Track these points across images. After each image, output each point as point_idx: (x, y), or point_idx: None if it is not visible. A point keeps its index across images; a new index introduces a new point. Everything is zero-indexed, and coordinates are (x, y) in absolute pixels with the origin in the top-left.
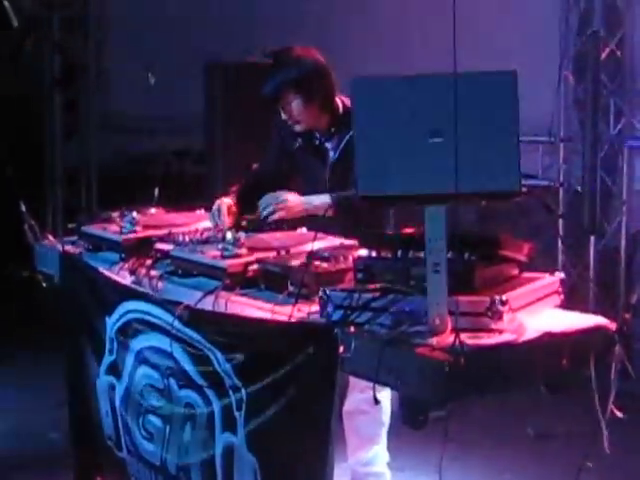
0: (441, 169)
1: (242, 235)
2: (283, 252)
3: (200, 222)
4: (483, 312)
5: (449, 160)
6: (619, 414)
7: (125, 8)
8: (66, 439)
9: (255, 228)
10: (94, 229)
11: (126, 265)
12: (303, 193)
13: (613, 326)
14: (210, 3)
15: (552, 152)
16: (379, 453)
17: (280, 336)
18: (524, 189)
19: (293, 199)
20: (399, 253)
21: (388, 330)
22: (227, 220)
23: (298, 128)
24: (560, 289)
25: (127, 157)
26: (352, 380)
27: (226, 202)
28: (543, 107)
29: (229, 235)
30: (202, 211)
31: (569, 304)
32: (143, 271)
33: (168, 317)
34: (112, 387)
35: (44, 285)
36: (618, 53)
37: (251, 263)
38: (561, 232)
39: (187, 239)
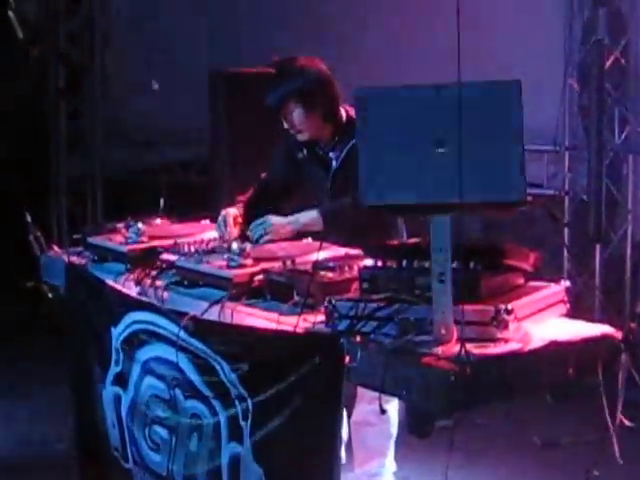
0: (445, 179)
1: (248, 245)
2: (289, 262)
3: (205, 232)
4: (489, 321)
5: (453, 170)
6: (628, 423)
7: (129, 19)
8: (72, 450)
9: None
10: (99, 240)
11: (131, 276)
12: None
13: (619, 335)
14: (214, 13)
15: (557, 161)
16: (386, 465)
17: (286, 346)
18: (529, 198)
19: (278, 221)
20: (404, 263)
21: (394, 340)
22: (233, 231)
23: (301, 137)
24: (566, 298)
25: (132, 168)
26: (360, 391)
27: (232, 213)
28: (548, 115)
29: (235, 245)
30: (207, 221)
31: (575, 313)
32: (149, 282)
33: (174, 327)
34: (118, 398)
35: (50, 296)
36: (622, 61)
37: (257, 273)
38: (567, 241)
39: (192, 249)
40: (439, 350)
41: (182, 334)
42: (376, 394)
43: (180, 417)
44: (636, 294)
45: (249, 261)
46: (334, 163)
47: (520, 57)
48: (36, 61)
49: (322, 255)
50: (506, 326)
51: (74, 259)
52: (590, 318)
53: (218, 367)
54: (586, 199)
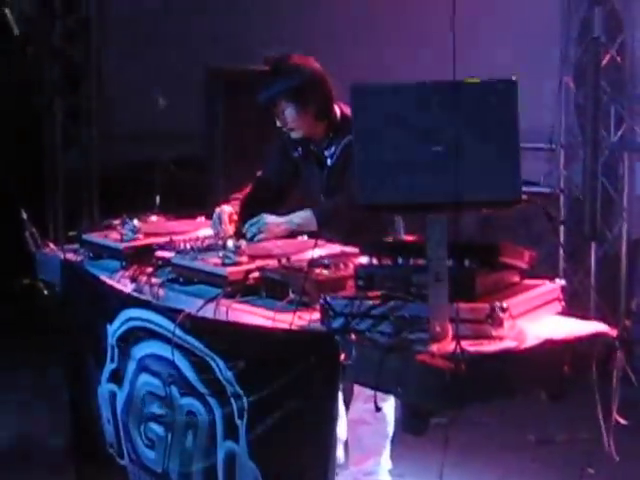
0: (441, 177)
1: (243, 243)
2: (284, 260)
3: (201, 230)
4: (484, 319)
5: (449, 168)
6: (623, 421)
7: (126, 15)
8: (67, 447)
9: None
10: (95, 237)
11: (127, 273)
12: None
13: (614, 333)
14: (211, 11)
15: (553, 159)
16: (381, 463)
17: (281, 344)
18: (524, 196)
19: (273, 220)
20: (400, 260)
21: (389, 337)
22: (228, 228)
23: (294, 135)
24: (561, 296)
25: (128, 165)
26: (356, 389)
27: (227, 210)
28: (544, 114)
29: (230, 243)
30: (203, 219)
31: (570, 311)
32: (144, 279)
33: (169, 325)
34: (113, 395)
35: (45, 293)
36: (618, 59)
37: (252, 271)
38: (562, 239)
39: (188, 247)
40: (434, 348)
41: (178, 331)
42: (371, 392)
43: (176, 414)
44: (631, 292)
45: (244, 258)
46: (329, 161)
47: (516, 55)
48: (32, 59)
49: (317, 253)
50: (501, 324)
51: (70, 256)
52: (585, 316)
53: (214, 364)
54: (581, 197)
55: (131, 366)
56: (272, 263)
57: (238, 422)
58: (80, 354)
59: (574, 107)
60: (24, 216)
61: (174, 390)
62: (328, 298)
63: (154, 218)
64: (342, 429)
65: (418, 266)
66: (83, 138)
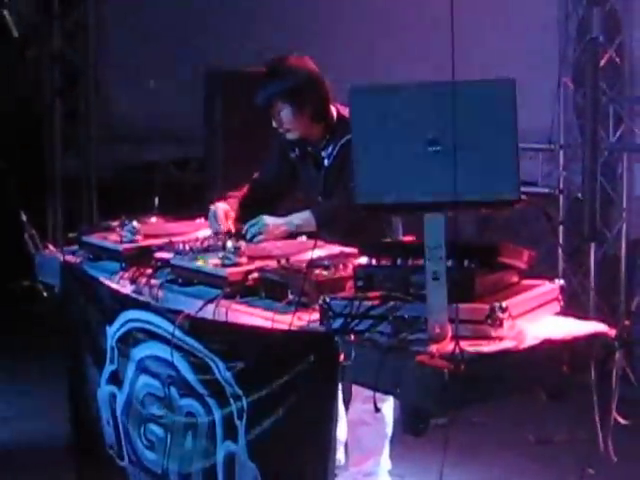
0: (440, 177)
1: (242, 244)
2: (283, 261)
3: (200, 231)
4: (483, 319)
5: (448, 168)
6: (622, 421)
7: (125, 17)
8: (67, 448)
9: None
10: (94, 238)
11: (126, 274)
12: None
13: (613, 333)
14: (209, 12)
15: (552, 159)
16: (381, 464)
17: (280, 344)
18: (523, 197)
19: (272, 222)
20: (399, 261)
21: (388, 338)
22: (225, 224)
23: (290, 136)
24: (560, 296)
25: (127, 166)
26: (355, 390)
27: (221, 207)
28: (543, 114)
29: (229, 244)
30: (202, 220)
31: (569, 311)
32: (143, 280)
33: (169, 326)
34: (113, 396)
35: (45, 295)
36: (617, 60)
37: (251, 271)
38: (561, 239)
39: (187, 248)
40: (433, 348)
41: (177, 332)
42: (371, 393)
43: (175, 415)
44: (630, 292)
45: (244, 259)
46: (326, 162)
47: (515, 56)
48: (31, 61)
49: (317, 253)
50: (500, 324)
51: (69, 258)
52: (584, 316)
53: (213, 365)
54: (581, 197)
55: (131, 367)
56: (271, 264)
57: (237, 423)
58: (80, 355)
59: (573, 107)
60: (23, 218)
61: (173, 391)
62: (327, 299)
63: (153, 219)
64: (342, 430)
65: (417, 266)
66: (82, 140)
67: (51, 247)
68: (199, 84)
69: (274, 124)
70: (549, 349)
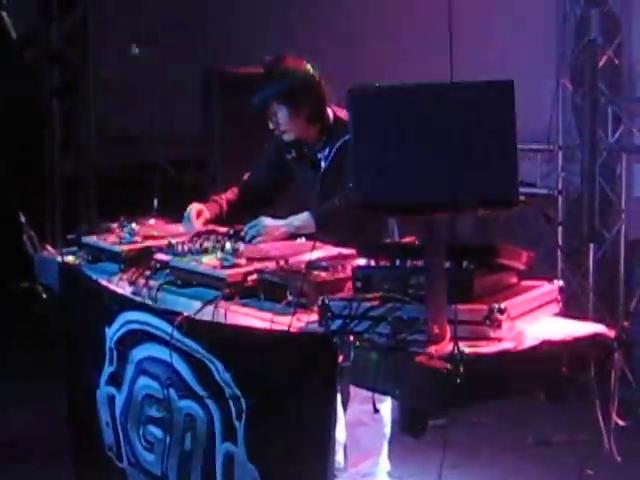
0: (439, 178)
1: (241, 245)
2: (282, 262)
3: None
4: (482, 320)
5: (446, 169)
6: (621, 422)
7: (123, 18)
8: (66, 450)
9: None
10: (93, 240)
11: (125, 275)
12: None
13: (612, 334)
14: (209, 13)
15: (550, 160)
16: (380, 464)
17: (279, 346)
18: (522, 198)
19: (272, 223)
20: (398, 262)
21: (387, 339)
22: (196, 224)
23: (286, 138)
24: (559, 297)
25: (126, 167)
26: (353, 391)
27: (195, 207)
28: (541, 115)
29: (228, 245)
30: None
31: (568, 312)
32: (142, 281)
33: (167, 327)
34: (112, 398)
35: (44, 296)
36: (615, 60)
37: (250, 273)
38: (560, 240)
39: (186, 249)
40: (432, 349)
41: (176, 334)
42: (369, 393)
43: (174, 417)
44: (629, 293)
45: (243, 261)
46: (322, 164)
47: (513, 57)
48: (30, 62)
49: (315, 255)
50: (499, 325)
51: (68, 259)
52: (583, 317)
53: (212, 367)
54: (579, 198)
55: (130, 369)
56: (270, 265)
57: (236, 424)
58: (79, 357)
59: (572, 108)
60: (22, 219)
61: (172, 392)
62: (326, 300)
63: (152, 221)
64: (341, 432)
65: (416, 267)
66: (81, 140)
67: (50, 248)
68: (198, 85)
69: (270, 125)
70: (548, 350)
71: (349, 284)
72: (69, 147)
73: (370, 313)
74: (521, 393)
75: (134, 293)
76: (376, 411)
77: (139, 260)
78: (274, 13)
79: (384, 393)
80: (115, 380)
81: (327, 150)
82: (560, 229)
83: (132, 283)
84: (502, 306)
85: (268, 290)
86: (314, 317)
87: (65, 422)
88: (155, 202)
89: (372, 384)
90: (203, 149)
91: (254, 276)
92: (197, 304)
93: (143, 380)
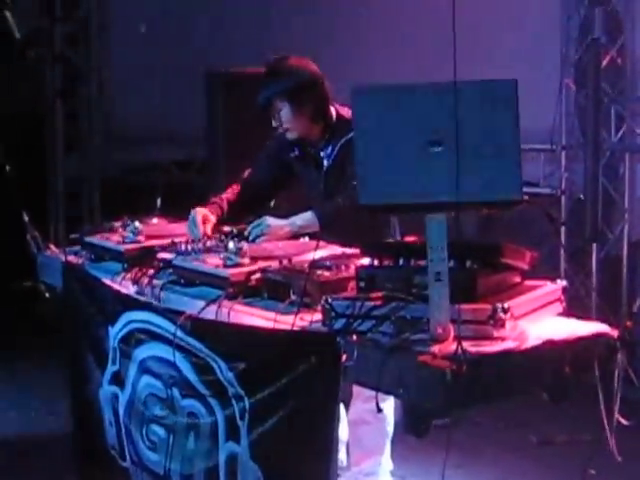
0: (442, 178)
1: (245, 244)
2: (285, 261)
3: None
4: (485, 320)
5: (450, 169)
6: (624, 422)
7: (127, 19)
8: (69, 449)
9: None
10: (97, 239)
11: (128, 275)
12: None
13: (615, 333)
14: (211, 13)
15: (553, 160)
16: (382, 463)
17: (283, 345)
18: (525, 197)
19: (275, 223)
20: (401, 261)
21: (390, 338)
22: (202, 229)
23: (289, 136)
24: (562, 297)
25: (129, 167)
26: (355, 389)
27: (200, 212)
28: (544, 115)
29: (231, 244)
30: None
31: (571, 312)
32: (145, 281)
33: (171, 326)
34: (115, 397)
35: (47, 295)
36: (619, 60)
37: (254, 272)
38: (563, 240)
39: (189, 248)
40: (436, 348)
41: (179, 333)
42: (372, 393)
43: (177, 416)
44: (632, 293)
45: (246, 260)
46: (325, 162)
47: (517, 56)
48: (33, 62)
49: (319, 254)
50: (503, 325)
51: (71, 258)
52: (586, 317)
53: (215, 366)
54: (582, 198)
55: (133, 368)
56: (274, 264)
57: (240, 423)
58: (81, 356)
59: (575, 108)
60: (26, 219)
61: (175, 392)
62: (329, 299)
63: (155, 220)
64: (343, 431)
65: (419, 267)
66: (84, 140)
67: (53, 248)
68: (201, 85)
69: (274, 123)
70: (551, 350)
71: (352, 283)
72: (72, 147)
73: (373, 312)
74: (524, 393)
75: (137, 292)
76: (379, 410)
77: (142, 259)
78: (278, 14)
79: (387, 392)
80: (118, 379)
81: (330, 148)
82: (563, 229)
83: (135, 282)
84: (505, 306)
85: (271, 289)
86: (317, 316)
87: (68, 421)
88: (158, 202)
89: (375, 383)
90: (207, 149)
91: (257, 275)
92: (200, 303)
93: (146, 379)
